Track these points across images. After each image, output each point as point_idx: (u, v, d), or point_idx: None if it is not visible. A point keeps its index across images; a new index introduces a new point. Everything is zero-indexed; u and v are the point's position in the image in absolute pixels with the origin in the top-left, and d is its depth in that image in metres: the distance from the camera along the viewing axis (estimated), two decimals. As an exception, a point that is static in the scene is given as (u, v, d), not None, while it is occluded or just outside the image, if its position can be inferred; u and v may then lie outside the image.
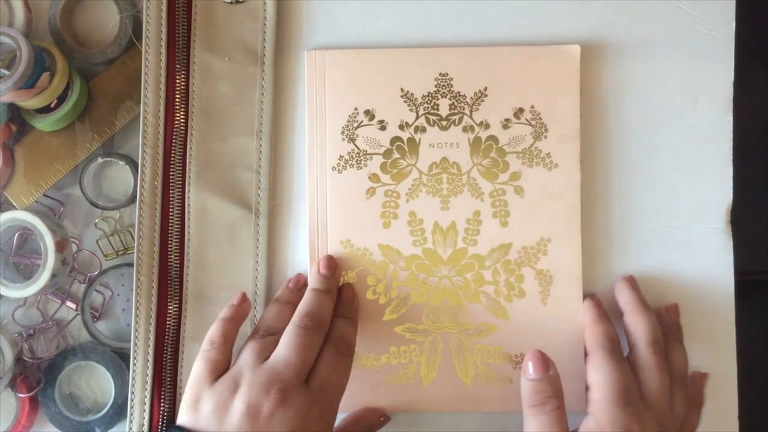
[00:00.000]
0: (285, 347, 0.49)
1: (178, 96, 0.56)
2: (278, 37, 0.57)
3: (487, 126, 0.56)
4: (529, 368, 0.52)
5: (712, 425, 0.57)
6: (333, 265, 0.55)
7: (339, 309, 0.55)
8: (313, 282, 0.55)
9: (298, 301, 0.54)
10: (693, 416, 0.55)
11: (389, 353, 0.56)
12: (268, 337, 0.51)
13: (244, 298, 0.53)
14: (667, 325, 0.55)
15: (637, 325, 0.54)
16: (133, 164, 0.57)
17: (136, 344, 0.55)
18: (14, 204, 0.57)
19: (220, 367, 0.50)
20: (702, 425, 0.56)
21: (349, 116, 0.56)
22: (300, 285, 0.56)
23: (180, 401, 0.54)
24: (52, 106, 0.56)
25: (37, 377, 0.57)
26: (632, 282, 0.56)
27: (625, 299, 0.55)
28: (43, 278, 0.55)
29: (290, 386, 0.48)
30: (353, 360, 0.53)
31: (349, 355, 0.52)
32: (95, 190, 0.58)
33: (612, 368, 0.52)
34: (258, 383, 0.47)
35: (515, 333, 0.56)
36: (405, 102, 0.56)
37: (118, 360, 0.57)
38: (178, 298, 0.56)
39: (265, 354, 0.49)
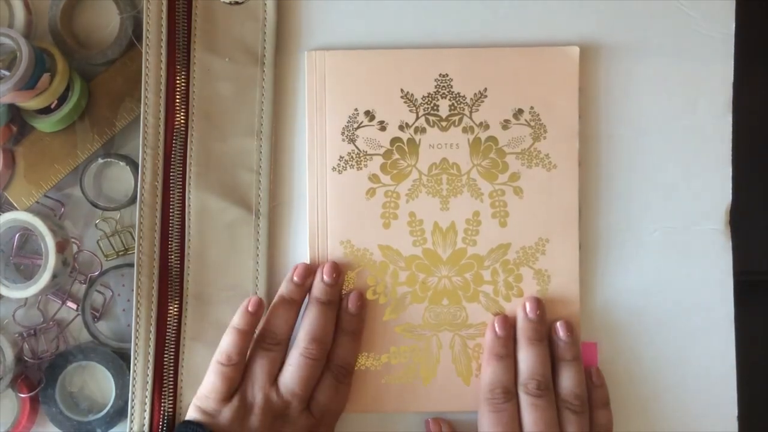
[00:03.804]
0: (290, 378, 0.53)
1: (178, 96, 0.56)
2: (278, 38, 0.57)
3: (487, 127, 0.56)
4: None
5: (711, 425, 0.57)
6: (337, 272, 0.55)
7: (344, 321, 0.55)
8: (316, 290, 0.55)
9: (302, 299, 0.55)
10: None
11: (389, 353, 0.56)
12: (275, 348, 0.54)
13: (259, 303, 0.54)
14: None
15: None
16: (134, 165, 0.57)
17: (136, 344, 0.55)
18: (15, 205, 0.57)
19: (236, 383, 0.53)
20: (702, 425, 0.57)
21: (349, 117, 0.56)
22: (304, 277, 0.55)
23: (180, 401, 0.55)
24: (53, 106, 0.56)
25: (38, 377, 0.57)
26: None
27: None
28: (43, 279, 0.55)
29: (294, 414, 0.53)
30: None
31: (348, 381, 0.55)
32: (96, 190, 0.58)
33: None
34: (267, 411, 0.52)
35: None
36: (405, 103, 0.56)
37: (119, 360, 0.57)
38: (178, 298, 0.56)
39: (273, 372, 0.53)
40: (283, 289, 0.56)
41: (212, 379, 0.53)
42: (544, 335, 0.55)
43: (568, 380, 0.54)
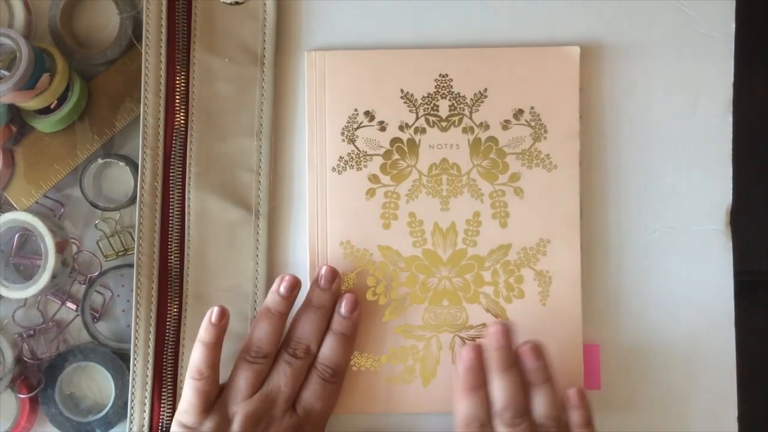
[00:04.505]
0: (276, 376, 0.53)
1: (178, 97, 0.56)
2: (278, 38, 0.57)
3: (487, 127, 0.56)
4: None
5: (711, 425, 0.57)
6: (334, 277, 0.55)
7: (335, 322, 0.55)
8: (310, 293, 0.55)
9: (289, 311, 0.55)
10: None
11: (389, 354, 0.56)
12: (260, 361, 0.53)
13: (222, 313, 0.53)
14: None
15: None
16: (133, 165, 0.57)
17: (136, 345, 0.55)
18: (14, 205, 0.57)
19: (212, 395, 0.53)
20: (702, 425, 0.57)
21: (349, 117, 0.56)
22: (290, 290, 0.54)
23: (180, 402, 0.55)
24: (52, 107, 0.56)
25: (38, 378, 0.57)
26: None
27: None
28: (43, 279, 0.55)
29: (278, 415, 0.53)
30: (352, 358, 0.55)
31: (336, 381, 0.54)
32: (95, 191, 0.58)
33: None
34: (249, 417, 0.52)
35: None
36: (405, 103, 0.56)
37: (119, 361, 0.57)
38: (178, 298, 0.56)
39: (256, 385, 0.53)
40: (269, 301, 0.54)
41: (188, 395, 0.53)
42: (513, 361, 0.53)
43: (541, 405, 0.52)
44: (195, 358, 0.53)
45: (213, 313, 0.53)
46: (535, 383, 0.53)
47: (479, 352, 0.53)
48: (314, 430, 0.54)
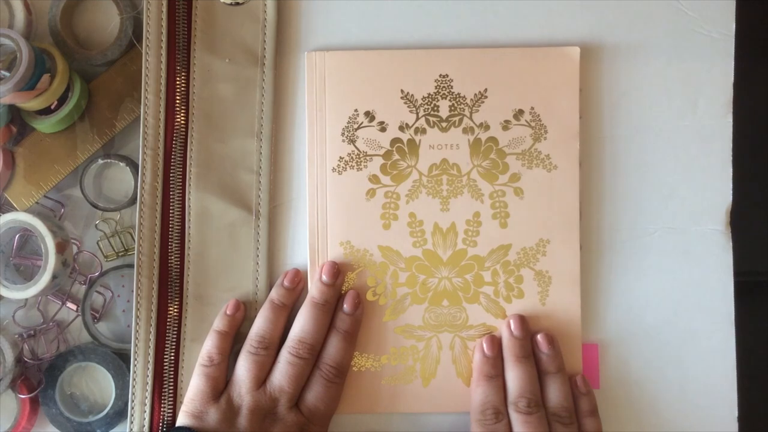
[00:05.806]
0: (279, 375, 0.53)
1: (178, 97, 0.56)
2: (278, 39, 0.57)
3: (487, 127, 0.56)
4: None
5: (711, 426, 0.57)
6: (335, 272, 0.55)
7: (338, 320, 0.55)
8: (313, 289, 0.55)
9: (293, 303, 0.56)
10: None
11: (389, 354, 0.56)
12: (263, 352, 0.54)
13: (237, 306, 0.55)
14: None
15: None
16: (134, 165, 0.57)
17: (136, 345, 0.55)
18: (15, 205, 0.57)
19: (220, 383, 0.54)
20: (702, 425, 0.57)
21: (349, 117, 0.56)
22: (295, 284, 0.56)
23: (180, 402, 0.55)
24: (53, 107, 0.56)
25: (38, 378, 0.57)
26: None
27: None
28: (43, 279, 0.55)
29: (282, 413, 0.53)
30: (353, 356, 0.56)
31: (339, 381, 0.55)
32: (96, 191, 0.58)
33: None
34: (254, 411, 0.52)
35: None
36: (405, 103, 0.56)
37: (119, 361, 0.57)
38: (178, 299, 0.56)
39: (260, 377, 0.53)
40: (273, 293, 0.56)
41: (196, 382, 0.54)
42: (530, 351, 0.55)
43: (554, 393, 0.54)
44: (207, 345, 0.54)
45: (228, 305, 0.55)
46: (548, 372, 0.55)
47: (497, 342, 0.55)
48: (319, 430, 0.54)
